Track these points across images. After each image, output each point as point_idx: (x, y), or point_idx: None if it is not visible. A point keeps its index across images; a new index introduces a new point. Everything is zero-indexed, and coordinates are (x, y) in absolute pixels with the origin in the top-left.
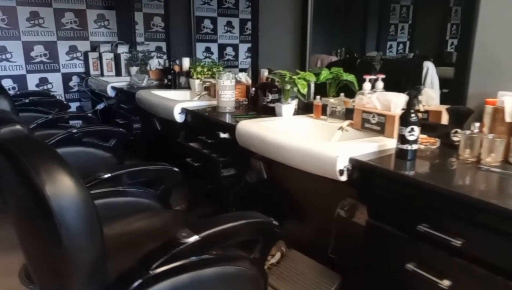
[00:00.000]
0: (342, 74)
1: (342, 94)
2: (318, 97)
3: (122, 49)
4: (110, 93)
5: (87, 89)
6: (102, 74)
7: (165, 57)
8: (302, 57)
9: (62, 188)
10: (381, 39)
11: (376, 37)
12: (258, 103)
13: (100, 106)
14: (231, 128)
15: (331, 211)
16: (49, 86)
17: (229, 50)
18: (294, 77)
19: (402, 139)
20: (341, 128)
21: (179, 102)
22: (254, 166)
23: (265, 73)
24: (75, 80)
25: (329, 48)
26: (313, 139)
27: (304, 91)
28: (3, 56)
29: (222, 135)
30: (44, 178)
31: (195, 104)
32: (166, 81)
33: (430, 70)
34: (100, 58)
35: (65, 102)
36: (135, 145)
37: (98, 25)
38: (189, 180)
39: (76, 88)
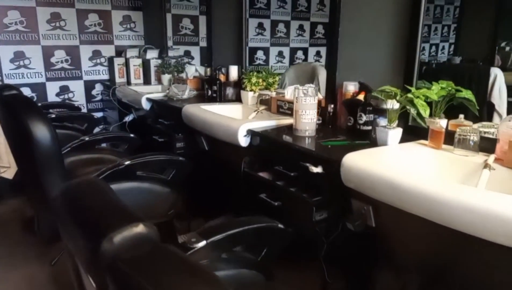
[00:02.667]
0: (455, 90)
1: (461, 116)
2: (438, 119)
3: (151, 55)
4: (145, 105)
5: (113, 99)
6: (128, 82)
7: (193, 62)
8: (408, 67)
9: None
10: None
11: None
12: (337, 123)
13: (128, 118)
14: (326, 161)
15: None
16: (70, 95)
17: (259, 53)
18: (410, 95)
19: None
20: (487, 166)
21: (243, 122)
22: (357, 210)
23: (349, 87)
24: (98, 88)
25: None
26: (456, 182)
27: (426, 113)
28: (21, 62)
29: (315, 170)
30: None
31: (261, 124)
32: (210, 92)
33: (498, 77)
34: (126, 64)
35: (95, 117)
36: None
37: (123, 28)
38: None
39: (99, 97)
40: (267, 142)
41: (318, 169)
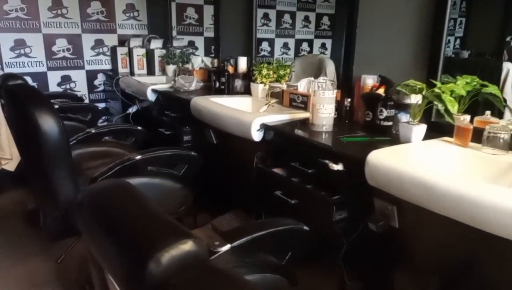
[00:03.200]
0: (480, 85)
1: (487, 112)
2: (464, 116)
3: (156, 44)
4: (150, 97)
5: (116, 89)
6: (131, 73)
7: (197, 53)
8: (432, 60)
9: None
10: None
11: None
12: (354, 118)
13: (132, 110)
14: (347, 158)
15: None
16: (72, 85)
17: (264, 45)
18: (437, 90)
19: None
20: None
21: (256, 115)
22: (380, 210)
23: (368, 80)
24: (100, 79)
25: None
26: (487, 182)
27: (454, 109)
28: (22, 51)
29: (335, 167)
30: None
31: (275, 118)
32: (217, 84)
33: (511, 72)
34: (129, 54)
35: (99, 108)
36: None
37: (127, 16)
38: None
39: (101, 88)
40: (282, 137)
41: (339, 167)
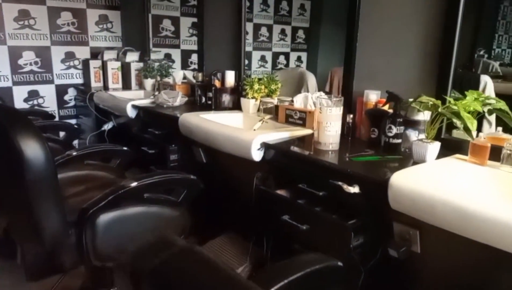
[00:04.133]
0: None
1: (499, 129)
2: (482, 133)
3: (132, 57)
4: (130, 113)
5: (90, 105)
6: (105, 87)
7: (174, 66)
8: (443, 75)
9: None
10: None
11: None
12: (356, 135)
13: (108, 126)
14: (363, 180)
15: None
16: (40, 100)
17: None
18: (454, 107)
19: None
20: None
21: (256, 134)
22: (400, 235)
23: (371, 96)
24: (71, 93)
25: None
26: None
27: (474, 126)
28: None
29: (352, 190)
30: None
31: (275, 136)
32: (204, 99)
33: (488, 84)
34: (103, 67)
35: (75, 126)
36: None
37: (100, 28)
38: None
39: (72, 103)
40: (286, 157)
41: (355, 189)
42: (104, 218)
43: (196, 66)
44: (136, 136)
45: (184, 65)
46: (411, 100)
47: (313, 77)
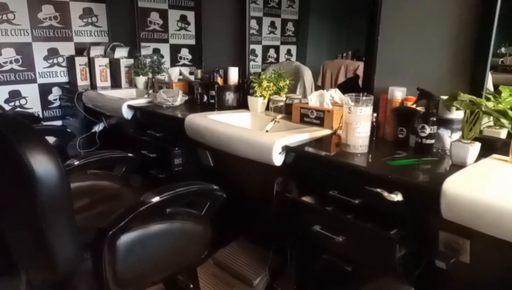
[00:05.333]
0: None
1: None
2: None
3: (121, 53)
4: (126, 114)
5: (78, 104)
6: (93, 85)
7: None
8: (477, 70)
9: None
10: None
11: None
12: (380, 135)
13: (99, 128)
14: (406, 187)
15: None
16: (23, 101)
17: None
18: (501, 106)
19: None
20: None
21: (277, 136)
22: (447, 245)
23: (396, 93)
24: (56, 93)
25: (332, 51)
26: None
27: None
28: None
29: (395, 198)
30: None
31: (295, 138)
32: (205, 98)
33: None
34: (90, 64)
35: (68, 130)
36: None
37: (84, 22)
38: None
39: (57, 103)
40: (311, 161)
41: (398, 197)
42: (126, 239)
43: (186, 62)
44: (134, 138)
45: (174, 61)
46: (444, 97)
47: (309, 71)
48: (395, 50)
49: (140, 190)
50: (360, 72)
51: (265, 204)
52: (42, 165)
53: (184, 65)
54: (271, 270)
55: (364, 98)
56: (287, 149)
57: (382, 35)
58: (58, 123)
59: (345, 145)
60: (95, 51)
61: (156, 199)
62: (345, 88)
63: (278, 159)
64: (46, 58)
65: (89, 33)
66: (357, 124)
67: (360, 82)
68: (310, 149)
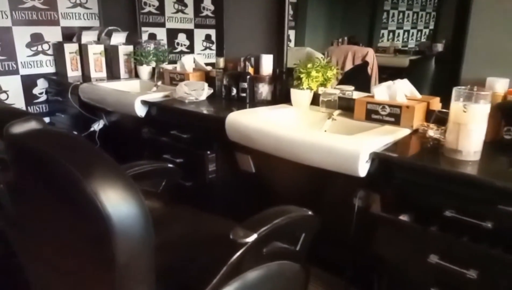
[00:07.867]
0: None
1: None
2: None
3: (118, 39)
4: (140, 111)
5: (72, 99)
6: (84, 77)
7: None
8: None
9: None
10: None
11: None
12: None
13: (98, 126)
14: None
15: None
16: (3, 96)
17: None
18: None
19: None
20: None
21: (363, 141)
22: None
23: (497, 85)
24: (41, 85)
25: (328, 36)
26: None
27: None
28: None
29: None
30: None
31: (380, 142)
32: (233, 91)
33: None
34: (81, 52)
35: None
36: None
37: (72, 3)
38: None
39: (44, 97)
40: (407, 171)
41: None
42: None
43: (183, 48)
44: (151, 140)
45: (171, 47)
46: None
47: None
48: (495, 33)
49: (194, 211)
50: (370, 58)
51: (335, 220)
52: (124, 214)
53: (182, 52)
54: None
55: (481, 93)
56: (374, 157)
57: (475, 14)
58: (46, 120)
59: (453, 151)
60: (87, 37)
61: (252, 237)
62: (352, 76)
63: (364, 169)
64: (29, 45)
65: (78, 15)
66: (474, 126)
67: (369, 70)
68: (409, 159)
